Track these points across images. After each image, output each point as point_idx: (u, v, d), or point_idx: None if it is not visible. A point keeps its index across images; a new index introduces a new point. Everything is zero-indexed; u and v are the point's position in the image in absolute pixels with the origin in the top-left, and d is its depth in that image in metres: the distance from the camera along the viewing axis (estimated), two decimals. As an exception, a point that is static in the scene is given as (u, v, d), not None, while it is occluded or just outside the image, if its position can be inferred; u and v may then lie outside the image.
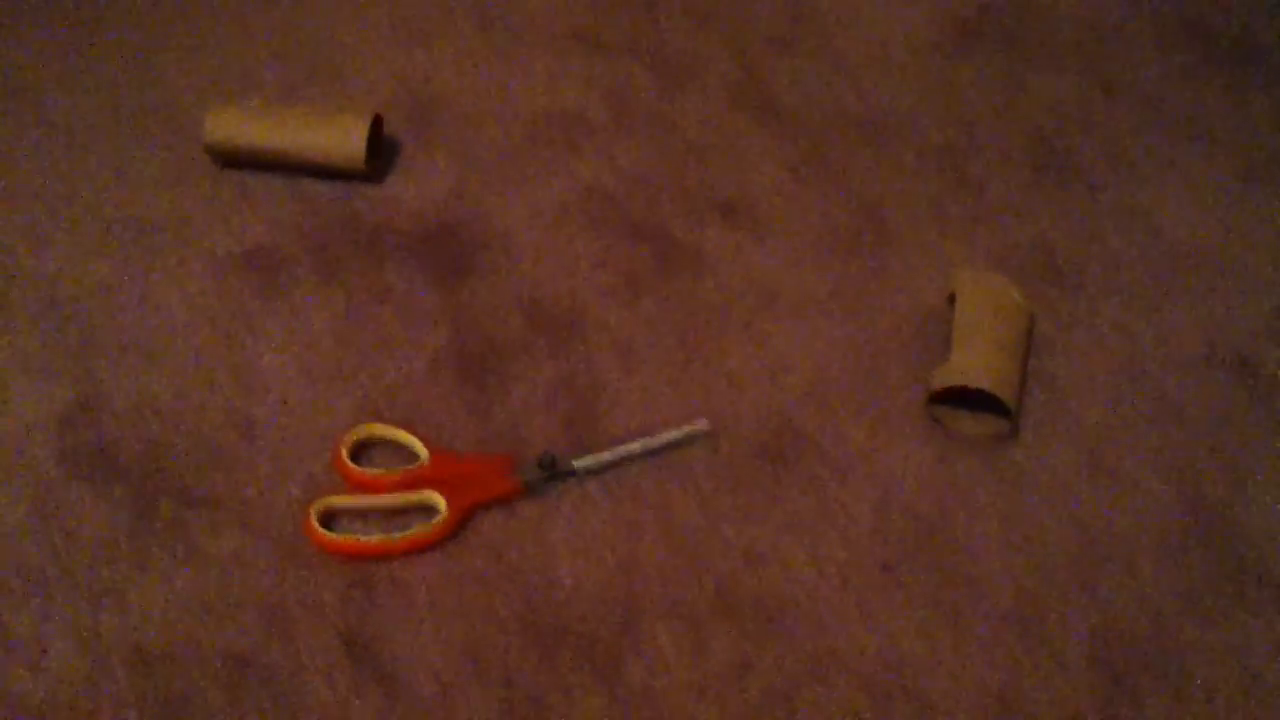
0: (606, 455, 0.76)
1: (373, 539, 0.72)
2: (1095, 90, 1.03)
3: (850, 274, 0.89)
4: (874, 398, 0.82)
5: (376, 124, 0.93)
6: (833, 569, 0.73)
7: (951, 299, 0.84)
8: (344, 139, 0.90)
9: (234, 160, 0.93)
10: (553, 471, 0.75)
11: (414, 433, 0.77)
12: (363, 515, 0.74)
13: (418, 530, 0.71)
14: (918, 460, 0.78)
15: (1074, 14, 1.09)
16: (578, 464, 0.75)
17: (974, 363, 0.78)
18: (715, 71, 1.05)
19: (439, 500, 0.72)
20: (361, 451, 0.77)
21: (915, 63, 1.06)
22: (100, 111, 0.98)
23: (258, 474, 0.76)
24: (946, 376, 0.78)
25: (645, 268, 0.89)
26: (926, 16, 1.09)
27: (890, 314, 0.87)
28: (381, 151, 0.95)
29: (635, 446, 0.77)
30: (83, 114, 0.98)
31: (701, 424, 0.78)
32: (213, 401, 0.79)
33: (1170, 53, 1.06)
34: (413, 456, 0.76)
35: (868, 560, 0.73)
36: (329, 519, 0.73)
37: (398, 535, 0.71)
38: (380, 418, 0.79)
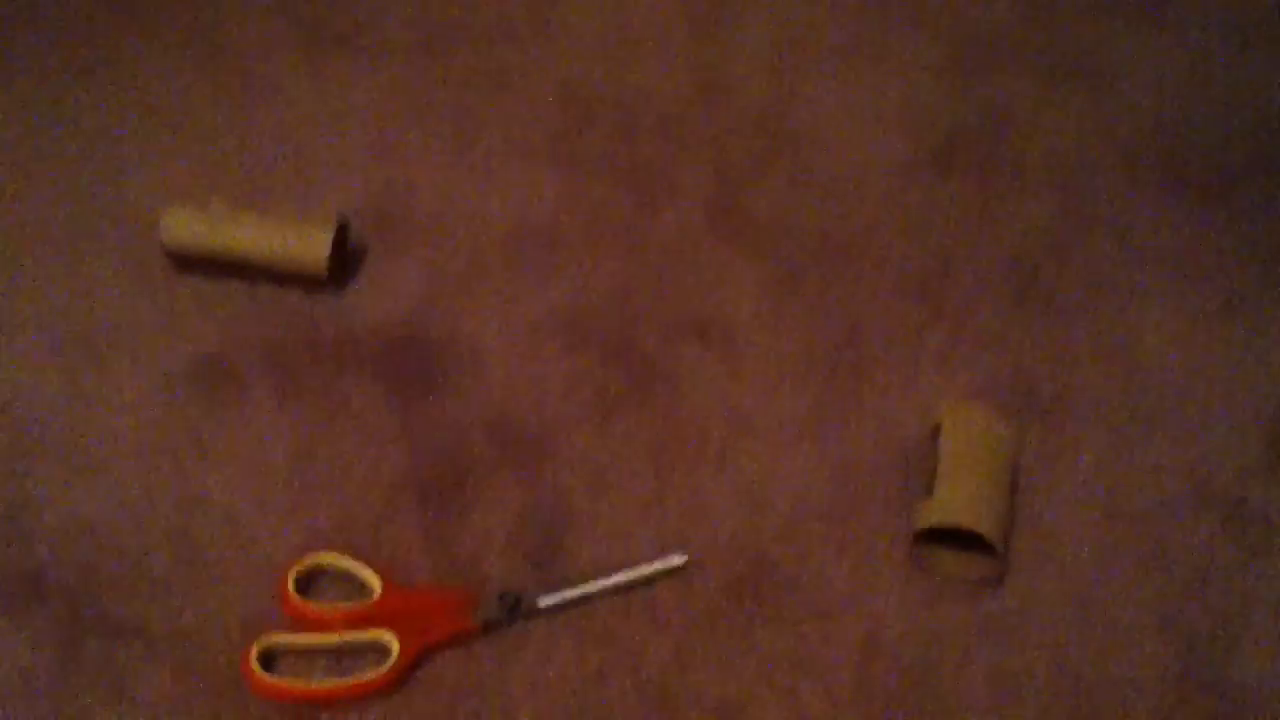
0: (574, 592, 0.70)
1: (317, 683, 0.65)
2: (1069, 218, 1.01)
3: (827, 401, 0.85)
4: (854, 533, 0.77)
5: (342, 230, 0.89)
6: (812, 724, 0.67)
7: (935, 431, 0.80)
8: (307, 244, 0.86)
9: (191, 262, 0.88)
10: (515, 610, 0.69)
11: (367, 563, 0.70)
12: (308, 655, 0.67)
13: (367, 674, 0.65)
14: (901, 603, 0.73)
15: (1045, 142, 1.07)
16: (542, 602, 0.69)
17: (960, 500, 0.73)
18: (692, 191, 1.01)
19: (391, 640, 0.66)
20: (310, 583, 0.70)
21: (892, 186, 1.03)
22: (54, 209, 0.93)
23: (196, 604, 0.69)
24: (931, 514, 0.73)
25: (617, 389, 0.84)
26: (902, 140, 1.06)
27: (869, 444, 0.82)
28: (347, 260, 0.90)
29: (605, 583, 0.71)
30: (35, 211, 0.93)
31: (676, 558, 0.73)
32: (152, 522, 0.73)
33: (1142, 184, 1.04)
34: (365, 589, 0.70)
35: (849, 715, 0.67)
36: (271, 658, 0.66)
37: (345, 680, 0.65)
38: (332, 546, 0.73)
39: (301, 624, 0.68)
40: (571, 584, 0.71)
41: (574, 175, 1.01)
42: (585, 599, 0.70)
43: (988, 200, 1.02)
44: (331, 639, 0.67)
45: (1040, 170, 1.04)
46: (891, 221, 1.00)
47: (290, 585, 0.68)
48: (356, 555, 0.71)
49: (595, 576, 0.71)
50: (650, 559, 0.73)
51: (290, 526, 0.74)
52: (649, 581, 0.72)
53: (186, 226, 0.86)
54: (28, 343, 0.83)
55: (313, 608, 0.68)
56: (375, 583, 0.69)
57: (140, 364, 0.82)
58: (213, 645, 0.67)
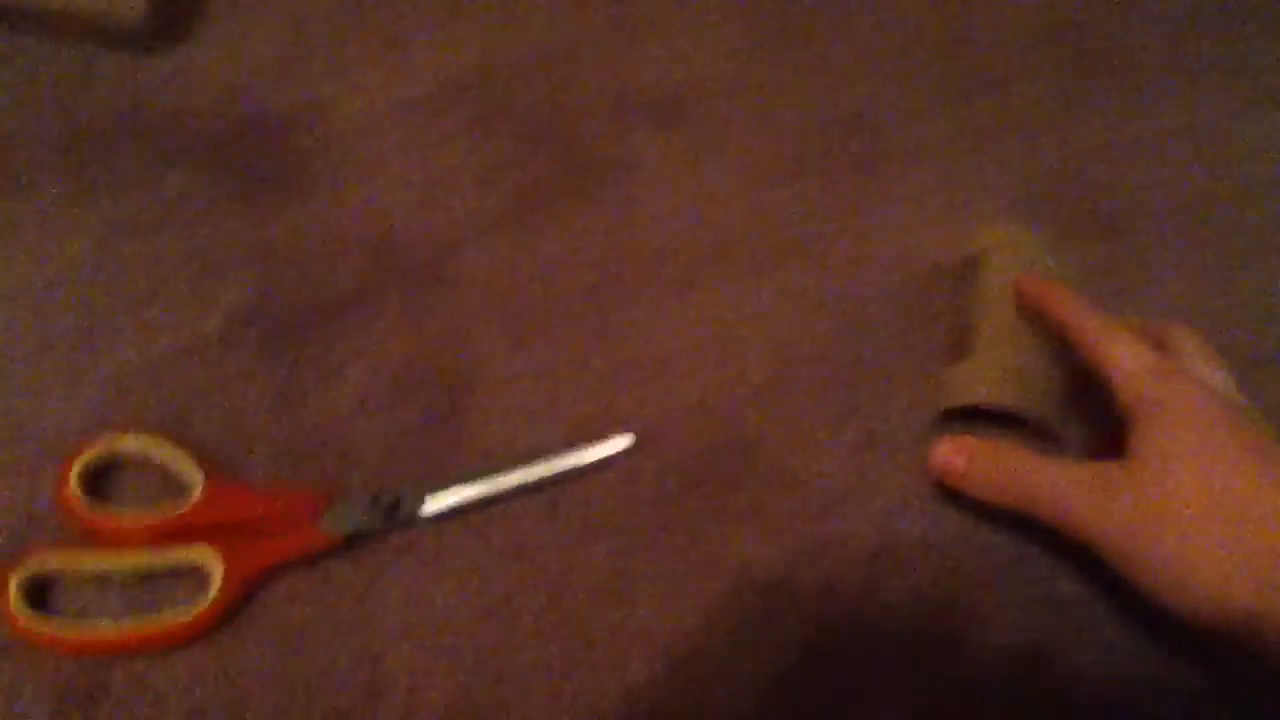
0: (474, 489, 0.50)
1: (106, 627, 0.45)
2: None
3: (827, 207, 0.63)
4: (857, 399, 0.56)
5: (169, -38, 0.63)
6: (798, 674, 0.49)
7: (970, 266, 0.58)
8: (116, -18, 0.60)
9: (-42, 5, 0.62)
10: (392, 516, 0.49)
11: (184, 447, 0.50)
12: (97, 583, 0.47)
13: (177, 612, 0.45)
14: (917, 497, 0.53)
15: None
16: (432, 505, 0.49)
17: (1000, 369, 0.52)
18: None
19: (212, 561, 0.46)
20: (104, 478, 0.50)
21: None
22: None
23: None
24: (961, 389, 0.53)
25: (546, 191, 0.62)
26: None
27: (880, 270, 0.61)
28: (175, 5, 0.65)
29: (519, 475, 0.51)
30: None
31: (620, 439, 0.52)
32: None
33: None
34: (180, 487, 0.49)
35: (847, 653, 0.49)
36: (42, 589, 0.46)
37: (146, 621, 0.45)
38: (137, 419, 0.51)
39: (90, 538, 0.47)
40: (473, 477, 0.50)
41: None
42: (492, 499, 0.50)
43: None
44: (129, 560, 0.47)
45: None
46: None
47: (74, 482, 0.47)
48: (170, 436, 0.50)
49: (506, 465, 0.51)
50: (584, 439, 0.52)
51: (83, 386, 0.52)
52: (582, 472, 0.52)
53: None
54: None
55: (105, 515, 0.47)
56: (195, 478, 0.48)
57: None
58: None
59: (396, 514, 0.49)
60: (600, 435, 0.52)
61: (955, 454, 0.51)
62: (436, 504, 0.49)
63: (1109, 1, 0.72)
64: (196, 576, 0.47)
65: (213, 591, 0.46)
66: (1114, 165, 0.65)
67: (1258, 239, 0.63)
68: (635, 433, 0.53)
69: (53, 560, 0.46)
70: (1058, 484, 0.47)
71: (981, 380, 0.52)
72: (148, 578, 0.47)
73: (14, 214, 0.57)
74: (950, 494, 0.52)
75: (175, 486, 0.49)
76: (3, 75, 0.62)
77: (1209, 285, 0.61)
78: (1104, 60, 0.69)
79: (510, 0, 0.68)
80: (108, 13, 0.61)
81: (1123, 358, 0.47)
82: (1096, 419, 0.53)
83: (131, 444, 0.49)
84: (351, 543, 0.49)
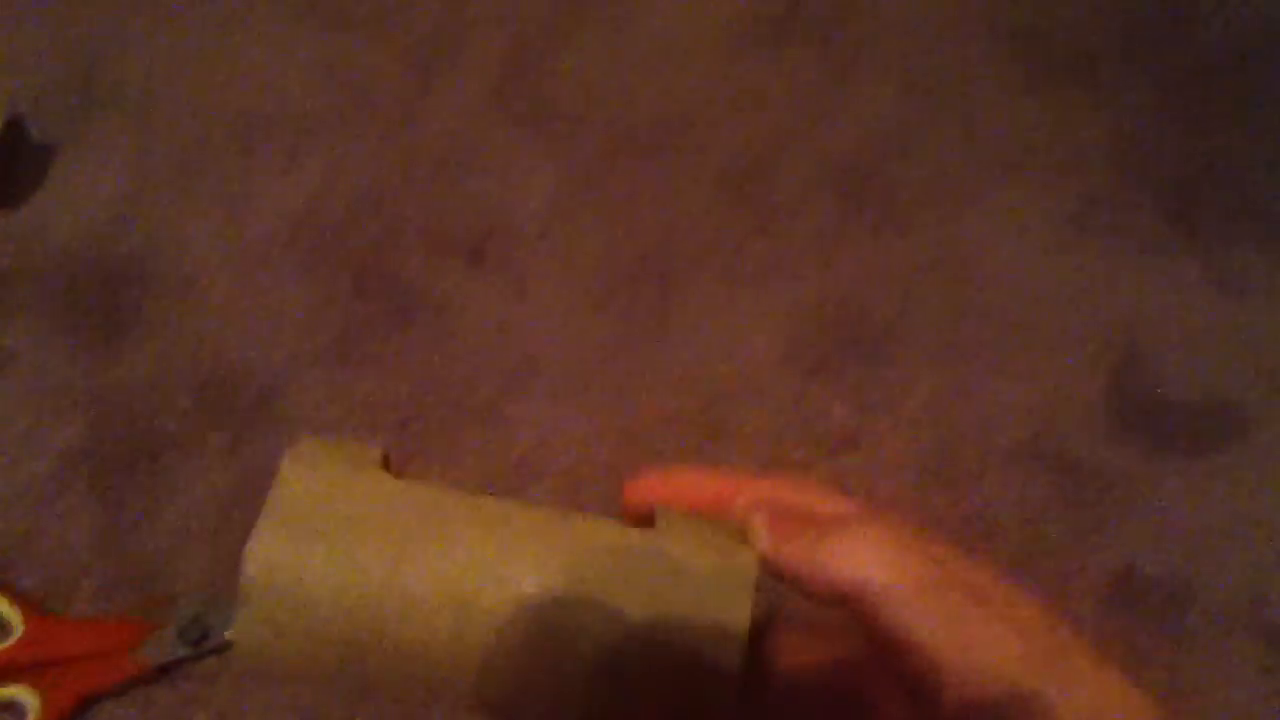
0: (281, 615, 0.54)
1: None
2: (916, 106, 0.84)
3: (625, 340, 0.69)
4: (641, 513, 0.62)
5: (14, 128, 0.67)
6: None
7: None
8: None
9: None
10: (201, 644, 0.53)
11: (5, 588, 0.53)
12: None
13: (-6, 748, 0.49)
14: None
15: (898, 15, 0.90)
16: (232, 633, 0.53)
17: None
18: (479, 61, 0.81)
19: (29, 697, 0.50)
20: (-72, 616, 0.53)
21: (719, 61, 0.84)
22: None
23: None
24: None
25: (368, 330, 0.67)
26: (733, 7, 0.87)
27: (669, 394, 0.67)
28: (23, 166, 0.69)
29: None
30: None
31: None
32: None
33: (996, 65, 0.87)
34: (1, 627, 0.52)
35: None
36: None
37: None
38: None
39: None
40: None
41: (335, 40, 0.80)
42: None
43: (828, 81, 0.84)
44: (-52, 699, 0.50)
45: (891, 49, 0.87)
46: (716, 104, 0.82)
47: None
48: (-5, 575, 0.54)
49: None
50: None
51: (-82, 531, 0.56)
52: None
53: None
54: None
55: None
56: (15, 618, 0.52)
57: None
58: None
59: (204, 642, 0.53)
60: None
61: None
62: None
63: (883, 149, 0.80)
64: (14, 713, 0.50)
65: (31, 723, 0.49)
66: (874, 295, 0.72)
67: (998, 350, 0.70)
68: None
69: None
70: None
71: None
72: (-32, 714, 0.50)
73: None
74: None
75: (-1, 625, 0.53)
76: None
77: (954, 394, 0.68)
78: (871, 201, 0.77)
79: (340, 155, 0.74)
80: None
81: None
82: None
83: (-46, 586, 0.53)
84: (165, 671, 0.52)
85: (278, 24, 0.79)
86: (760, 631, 0.36)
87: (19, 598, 0.53)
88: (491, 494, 0.37)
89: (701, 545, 0.35)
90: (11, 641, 0.52)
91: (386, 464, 0.37)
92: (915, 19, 0.90)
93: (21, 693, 0.50)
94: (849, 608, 0.33)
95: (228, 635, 0.53)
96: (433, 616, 0.33)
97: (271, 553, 0.32)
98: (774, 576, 0.35)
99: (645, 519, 0.37)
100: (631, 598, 0.34)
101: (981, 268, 0.75)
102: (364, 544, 0.33)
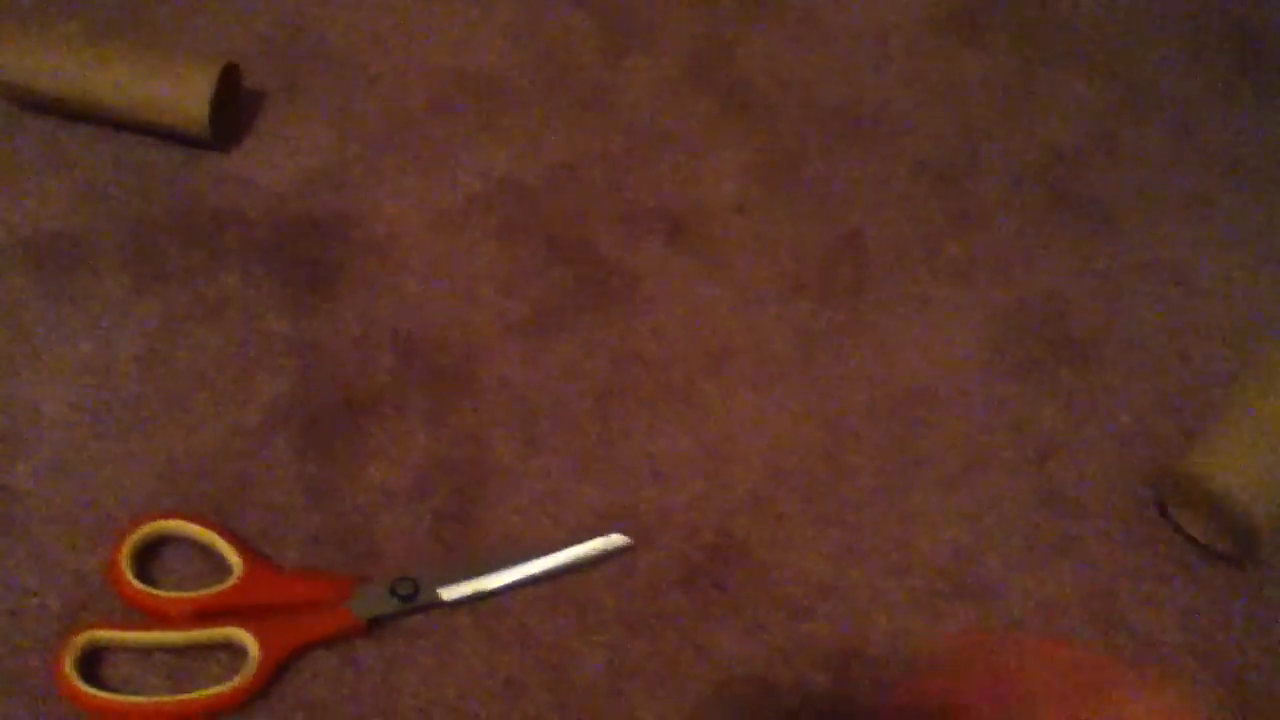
0: (485, 581, 0.54)
1: (154, 699, 0.49)
2: (1122, 101, 0.81)
3: (820, 326, 0.67)
4: (838, 508, 0.60)
5: (230, 75, 0.68)
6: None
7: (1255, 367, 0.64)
8: (184, 93, 0.65)
9: (39, 106, 0.67)
10: (411, 603, 0.53)
11: (225, 532, 0.54)
12: (143, 656, 0.51)
13: (216, 686, 0.49)
14: (887, 605, 0.57)
15: (1099, 5, 0.86)
16: (446, 594, 0.53)
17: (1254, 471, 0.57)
18: (677, 34, 0.80)
19: (248, 640, 0.50)
20: (152, 557, 0.54)
21: (914, 48, 0.82)
22: None
23: (5, 568, 0.53)
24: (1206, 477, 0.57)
25: (563, 298, 0.66)
26: (932, -10, 0.85)
27: (862, 388, 0.65)
28: (236, 112, 0.69)
29: (527, 569, 0.55)
30: None
31: (619, 538, 0.56)
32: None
33: (1209, 62, 0.83)
34: (220, 568, 0.53)
35: (818, 754, 0.53)
36: (95, 660, 0.50)
37: (188, 695, 0.49)
38: (185, 496, 0.56)
39: (137, 614, 0.51)
40: (484, 568, 0.54)
41: (533, 9, 0.79)
42: (499, 590, 0.54)
43: (1026, 72, 0.81)
44: (173, 636, 0.51)
45: (1090, 41, 0.84)
46: (913, 93, 0.80)
47: (123, 561, 0.51)
48: (213, 522, 0.54)
49: (514, 559, 0.55)
50: (585, 536, 0.56)
51: (135, 466, 0.56)
52: (582, 567, 0.56)
53: (25, 60, 0.65)
54: None
55: (152, 594, 0.51)
56: (235, 562, 0.52)
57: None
58: (26, 629, 0.51)
59: (414, 600, 0.53)
60: (599, 533, 0.56)
61: None
62: (450, 593, 0.53)
63: (1087, 144, 0.77)
64: (233, 653, 0.51)
65: (250, 668, 0.49)
66: (1080, 297, 0.69)
67: (1204, 371, 0.67)
68: (632, 532, 0.57)
69: (103, 634, 0.50)
70: None
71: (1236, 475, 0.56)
72: (188, 653, 0.51)
73: (85, 297, 0.62)
74: (918, 598, 0.56)
75: (216, 568, 0.53)
76: (79, 175, 0.66)
77: (1163, 412, 0.65)
78: (1077, 199, 0.74)
79: (537, 122, 0.73)
80: (176, 118, 0.66)
81: None
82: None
83: (177, 528, 0.53)
84: (375, 627, 0.52)
85: (478, -11, 0.79)
86: None
87: (237, 541, 0.53)
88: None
89: None
90: (230, 584, 0.52)
91: None
92: (1117, 9, 0.86)
93: (241, 635, 0.50)
94: None
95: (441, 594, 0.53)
96: None
97: None
98: None
99: None
100: None
101: (1196, 275, 0.71)
102: None
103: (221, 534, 0.53)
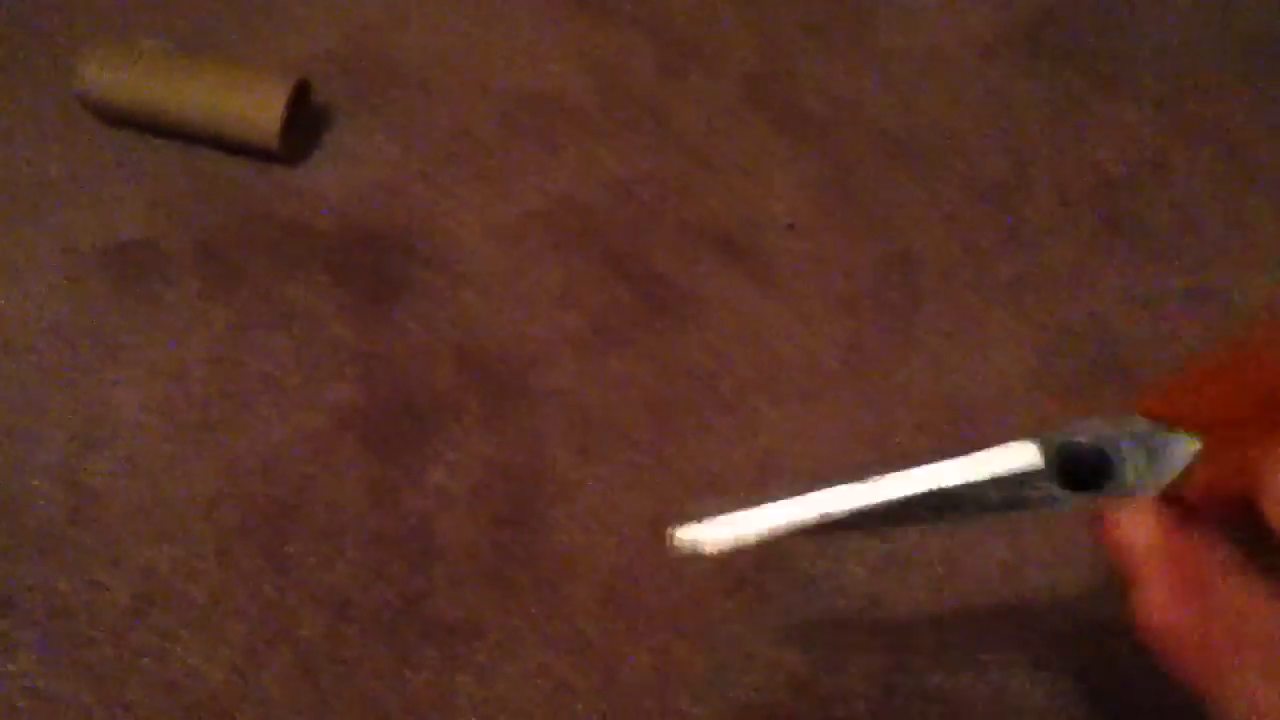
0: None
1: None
2: (1173, 126, 0.81)
3: (870, 344, 0.68)
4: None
5: (302, 90, 0.70)
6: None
7: None
8: (257, 109, 0.68)
9: (118, 119, 0.70)
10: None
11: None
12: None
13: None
14: (930, 614, 0.58)
15: (1154, 30, 0.87)
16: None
17: None
18: (731, 56, 0.82)
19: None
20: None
21: (968, 71, 0.83)
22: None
23: (78, 562, 0.55)
24: None
25: (619, 312, 0.68)
26: (985, 17, 0.86)
27: (914, 405, 0.66)
28: (306, 126, 0.72)
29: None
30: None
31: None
32: (36, 450, 0.58)
33: (1255, 87, 0.83)
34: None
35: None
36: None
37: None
38: (250, 496, 0.58)
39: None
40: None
41: (595, 27, 0.81)
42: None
43: (1079, 97, 0.82)
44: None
45: (1145, 66, 0.84)
46: (966, 115, 0.80)
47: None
48: (277, 504, 0.56)
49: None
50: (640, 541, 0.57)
51: (203, 464, 0.58)
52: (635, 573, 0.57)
53: (106, 74, 0.68)
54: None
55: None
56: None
57: (45, 241, 0.66)
58: (90, 629, 0.53)
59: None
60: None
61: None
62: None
63: (1137, 169, 0.77)
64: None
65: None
66: (1127, 320, 0.70)
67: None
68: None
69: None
70: None
71: None
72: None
73: (158, 303, 0.64)
74: (960, 611, 0.57)
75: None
76: (154, 186, 0.69)
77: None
78: (1125, 223, 0.75)
79: (596, 140, 0.75)
80: (248, 132, 0.68)
81: None
82: None
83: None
84: (430, 626, 0.54)
85: (544, 8, 0.81)
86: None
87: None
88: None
89: None
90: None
91: None
92: (1171, 34, 0.87)
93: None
94: None
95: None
96: None
97: None
98: None
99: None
100: None
101: (1242, 300, 0.71)
102: None
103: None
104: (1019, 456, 0.30)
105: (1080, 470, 0.29)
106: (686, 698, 0.54)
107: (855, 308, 0.69)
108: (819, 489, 0.32)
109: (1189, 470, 0.29)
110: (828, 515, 0.32)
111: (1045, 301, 0.71)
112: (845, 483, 0.32)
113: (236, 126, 0.68)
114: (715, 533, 0.31)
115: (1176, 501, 0.30)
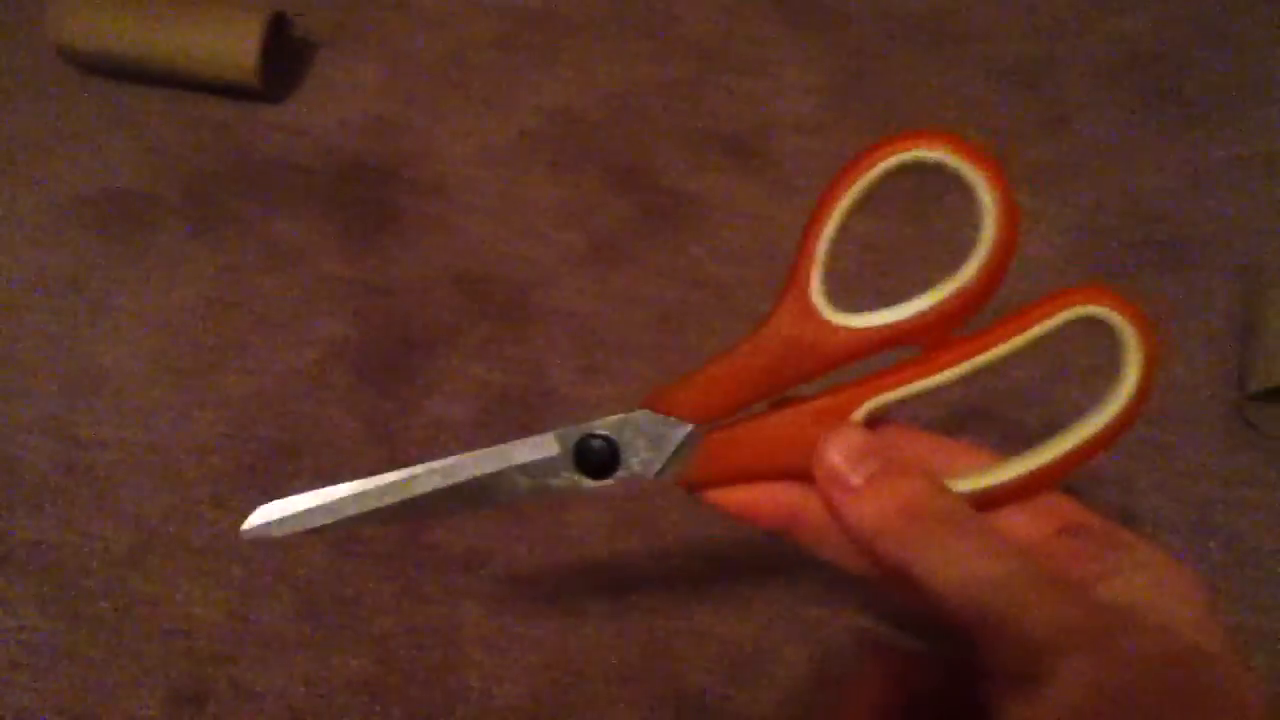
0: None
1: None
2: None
3: (891, 248, 0.64)
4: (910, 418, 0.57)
5: (279, 22, 0.68)
6: None
7: None
8: (232, 44, 0.65)
9: (96, 67, 0.68)
10: (466, 532, 0.52)
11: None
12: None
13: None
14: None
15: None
16: (501, 523, 0.53)
17: None
18: (734, -43, 0.77)
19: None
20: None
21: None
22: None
23: (72, 514, 0.54)
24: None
25: (623, 227, 0.65)
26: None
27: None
28: (287, 61, 0.69)
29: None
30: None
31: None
32: (23, 401, 0.57)
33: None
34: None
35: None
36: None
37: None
38: (246, 438, 0.56)
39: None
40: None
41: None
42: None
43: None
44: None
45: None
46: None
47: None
48: (276, 443, 0.54)
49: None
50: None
51: (196, 408, 0.57)
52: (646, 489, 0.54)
53: (78, 18, 0.66)
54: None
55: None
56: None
57: (26, 194, 0.64)
58: (86, 579, 0.52)
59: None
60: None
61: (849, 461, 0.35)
62: (508, 522, 0.52)
63: (1179, 30, 0.72)
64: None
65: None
66: (1177, 197, 0.65)
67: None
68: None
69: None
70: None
71: None
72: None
73: (145, 249, 0.62)
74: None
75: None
76: (136, 133, 0.67)
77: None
78: (1170, 92, 0.69)
79: (594, 52, 0.71)
80: (225, 69, 0.66)
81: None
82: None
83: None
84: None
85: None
86: None
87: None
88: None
89: None
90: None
91: None
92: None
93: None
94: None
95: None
96: None
97: None
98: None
99: None
100: None
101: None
102: None
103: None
104: (543, 449, 0.36)
105: (596, 457, 0.35)
106: (704, 612, 0.51)
107: (884, 207, 0.65)
108: (376, 480, 0.36)
109: (695, 452, 0.35)
110: (378, 509, 0.36)
111: (1076, 182, 0.66)
112: (394, 474, 0.37)
113: (214, 65, 0.66)
114: (279, 520, 0.36)
115: (701, 485, 0.36)
